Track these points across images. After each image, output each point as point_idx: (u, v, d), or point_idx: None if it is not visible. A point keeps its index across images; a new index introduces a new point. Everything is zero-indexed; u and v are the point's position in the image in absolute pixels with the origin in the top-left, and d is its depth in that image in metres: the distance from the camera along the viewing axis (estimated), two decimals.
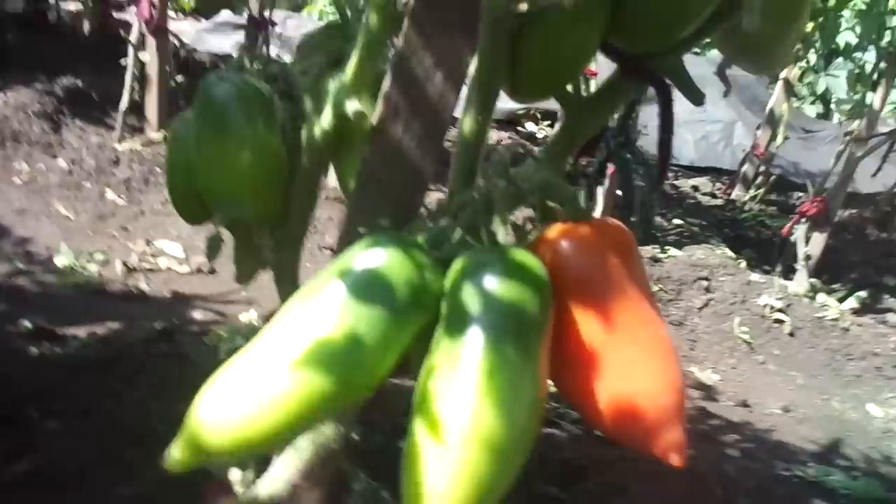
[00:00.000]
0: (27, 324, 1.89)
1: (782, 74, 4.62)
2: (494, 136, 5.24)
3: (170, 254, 2.81)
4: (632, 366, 0.66)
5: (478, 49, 0.72)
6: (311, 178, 0.90)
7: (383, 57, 0.82)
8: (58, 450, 1.34)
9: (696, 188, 5.25)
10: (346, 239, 0.79)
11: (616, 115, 1.03)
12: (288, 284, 0.94)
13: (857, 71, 3.76)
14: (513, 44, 0.72)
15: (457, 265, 0.65)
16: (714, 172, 5.89)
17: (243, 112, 0.85)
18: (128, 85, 3.53)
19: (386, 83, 0.78)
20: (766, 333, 3.16)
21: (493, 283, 0.62)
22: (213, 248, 0.93)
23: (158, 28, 3.51)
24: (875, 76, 3.46)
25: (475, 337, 0.60)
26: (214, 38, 5.76)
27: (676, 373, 0.68)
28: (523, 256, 0.64)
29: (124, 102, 3.52)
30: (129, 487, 1.26)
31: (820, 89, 8.25)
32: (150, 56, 3.56)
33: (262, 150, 0.85)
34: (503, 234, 0.68)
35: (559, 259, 0.68)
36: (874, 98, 3.26)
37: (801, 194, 4.93)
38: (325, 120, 0.84)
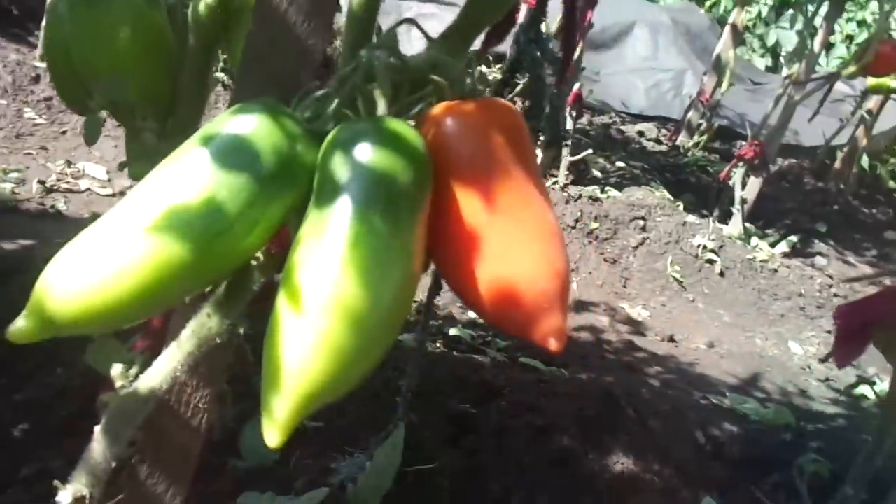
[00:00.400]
0: None
1: (730, 19, 4.62)
2: None
3: (92, 175, 2.69)
4: (512, 248, 0.64)
5: None
6: (201, 59, 0.85)
7: None
8: None
9: (641, 133, 5.28)
10: None
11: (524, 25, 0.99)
12: None
13: (802, 27, 3.76)
14: None
15: (330, 136, 0.61)
16: (662, 121, 5.93)
17: None
18: (50, 2, 3.32)
19: None
20: (697, 273, 3.23)
21: (364, 151, 0.58)
22: (92, 129, 0.87)
23: None
24: (815, 21, 3.47)
25: (342, 206, 0.57)
26: None
27: (559, 258, 0.66)
28: (399, 126, 0.61)
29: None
30: (24, 394, 1.22)
31: (770, 42, 8.33)
32: None
33: (138, 20, 0.79)
34: (383, 107, 0.64)
35: (441, 135, 0.65)
36: (815, 41, 3.28)
37: (744, 143, 5.00)
38: None
